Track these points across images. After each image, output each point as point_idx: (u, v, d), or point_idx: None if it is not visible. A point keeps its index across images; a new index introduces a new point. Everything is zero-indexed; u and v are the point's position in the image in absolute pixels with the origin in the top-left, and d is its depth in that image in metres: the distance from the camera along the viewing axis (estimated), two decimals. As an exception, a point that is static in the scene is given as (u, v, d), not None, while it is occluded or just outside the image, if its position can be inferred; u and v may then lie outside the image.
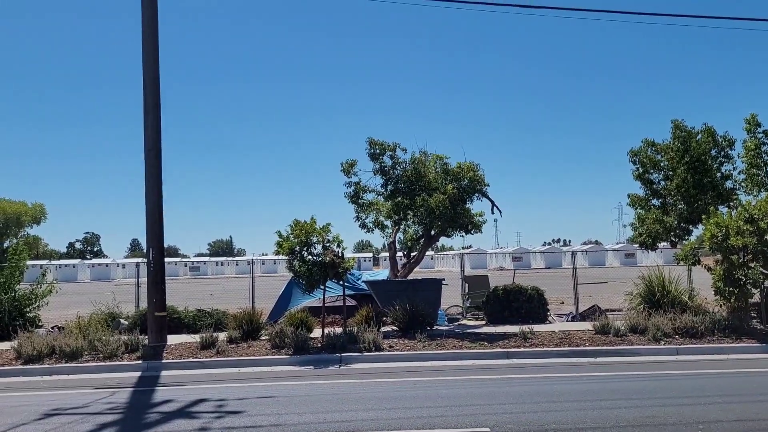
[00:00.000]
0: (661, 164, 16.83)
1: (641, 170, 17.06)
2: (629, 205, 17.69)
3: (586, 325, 14.19)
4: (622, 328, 13.11)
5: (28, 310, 15.89)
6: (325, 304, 13.99)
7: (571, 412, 7.44)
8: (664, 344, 12.31)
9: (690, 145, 16.04)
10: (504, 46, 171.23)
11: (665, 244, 17.66)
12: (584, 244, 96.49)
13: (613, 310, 16.62)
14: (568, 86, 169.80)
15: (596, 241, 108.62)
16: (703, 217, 14.25)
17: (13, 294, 15.74)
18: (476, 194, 16.37)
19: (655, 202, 17.14)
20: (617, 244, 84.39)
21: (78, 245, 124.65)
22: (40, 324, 16.04)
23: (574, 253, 18.90)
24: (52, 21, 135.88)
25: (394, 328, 14.09)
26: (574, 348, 12.21)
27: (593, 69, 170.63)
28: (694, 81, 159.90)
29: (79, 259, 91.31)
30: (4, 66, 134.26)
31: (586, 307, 16.93)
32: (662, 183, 16.98)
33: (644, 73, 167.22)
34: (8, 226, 69.84)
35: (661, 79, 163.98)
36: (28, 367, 11.84)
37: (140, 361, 12.04)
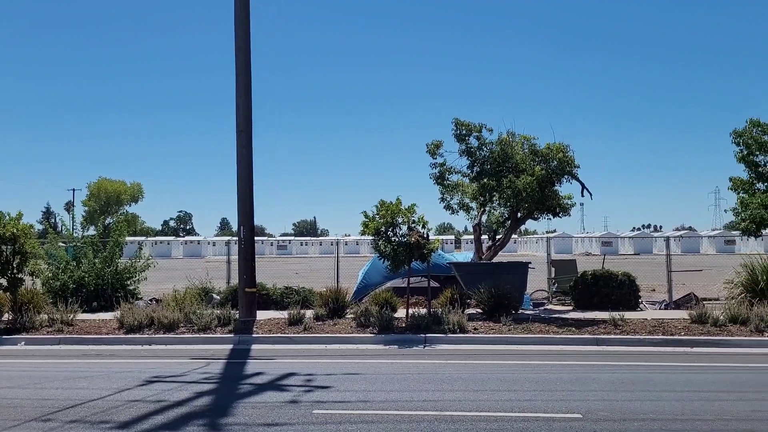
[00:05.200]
0: (769, 145, 15.68)
1: (746, 152, 15.93)
2: (731, 189, 16.56)
3: (681, 314, 13.55)
4: (721, 317, 12.43)
5: (128, 283, 16.86)
6: (409, 285, 14.01)
7: (670, 402, 7.12)
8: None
9: (802, 125, 14.87)
10: (596, 36, 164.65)
11: (771, 230, 16.50)
12: (676, 229, 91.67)
13: (710, 299, 15.78)
14: (660, 69, 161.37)
15: (689, 227, 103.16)
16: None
17: (114, 267, 16.71)
18: (565, 176, 15.83)
19: (760, 185, 16.01)
20: (713, 230, 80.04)
21: (172, 223, 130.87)
22: (139, 296, 16.97)
23: (668, 239, 18.03)
24: (152, 11, 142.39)
25: (479, 310, 13.96)
26: (669, 337, 11.69)
27: (690, 47, 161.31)
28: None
29: (173, 237, 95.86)
30: (105, 54, 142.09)
31: (679, 295, 16.15)
32: (769, 166, 15.84)
33: (745, 54, 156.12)
34: (109, 204, 74.59)
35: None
36: (129, 336, 12.58)
37: (232, 335, 12.52)
